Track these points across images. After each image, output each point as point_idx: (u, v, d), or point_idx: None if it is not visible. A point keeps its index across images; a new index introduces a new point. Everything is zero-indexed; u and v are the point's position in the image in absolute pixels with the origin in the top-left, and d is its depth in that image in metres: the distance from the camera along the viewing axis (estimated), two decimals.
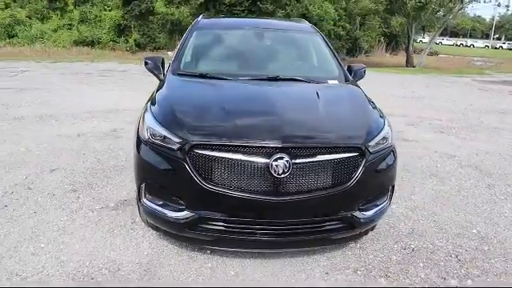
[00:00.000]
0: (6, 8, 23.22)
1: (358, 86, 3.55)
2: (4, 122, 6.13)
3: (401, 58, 26.45)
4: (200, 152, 2.43)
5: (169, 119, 2.65)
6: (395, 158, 2.87)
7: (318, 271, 2.79)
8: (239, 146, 2.39)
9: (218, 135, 2.46)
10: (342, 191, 2.48)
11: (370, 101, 3.21)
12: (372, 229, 3.11)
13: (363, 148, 2.53)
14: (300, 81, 3.34)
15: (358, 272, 2.81)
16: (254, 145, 2.38)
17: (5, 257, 2.82)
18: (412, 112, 8.12)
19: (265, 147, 2.37)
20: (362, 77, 3.95)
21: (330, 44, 3.99)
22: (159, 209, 2.64)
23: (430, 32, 25.38)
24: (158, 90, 3.16)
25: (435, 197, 4.10)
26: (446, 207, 3.88)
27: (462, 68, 22.71)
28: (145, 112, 2.85)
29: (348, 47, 26.29)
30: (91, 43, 22.16)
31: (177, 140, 2.48)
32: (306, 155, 2.41)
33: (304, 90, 3.17)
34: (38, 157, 4.74)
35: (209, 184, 2.43)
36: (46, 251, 2.91)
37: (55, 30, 22.70)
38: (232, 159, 2.39)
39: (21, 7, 25.14)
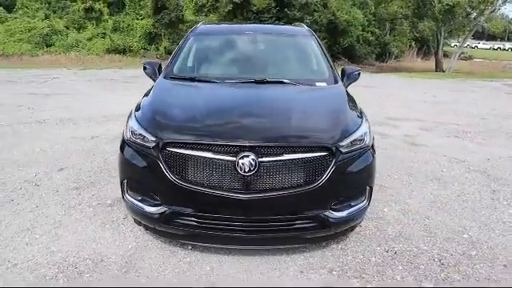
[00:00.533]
0: (46, 19, 24.57)
1: (345, 88, 3.57)
2: (26, 124, 6.51)
3: (432, 62, 25.73)
4: (172, 150, 2.54)
5: (147, 119, 2.79)
6: (373, 158, 2.86)
7: (292, 270, 2.82)
8: (208, 144, 2.48)
9: (189, 134, 2.58)
10: (311, 190, 2.51)
11: (351, 102, 3.21)
12: (352, 229, 3.10)
13: (333, 148, 2.55)
14: (286, 83, 3.39)
15: (333, 272, 2.82)
16: (222, 143, 2.47)
17: (1, 246, 3.03)
18: (429, 117, 7.94)
19: (231, 146, 2.45)
20: (355, 79, 3.97)
21: (323, 47, 4.03)
22: (138, 204, 2.78)
23: (462, 35, 24.60)
24: (145, 94, 3.31)
25: (432, 201, 4.02)
26: (442, 212, 3.79)
27: (496, 72, 21.86)
28: (129, 114, 3.00)
29: (377, 52, 25.91)
30: (123, 51, 23.00)
31: (152, 138, 2.61)
32: (273, 154, 2.47)
33: (286, 93, 3.22)
34: (50, 157, 5.01)
35: (180, 180, 2.53)
36: (39, 242, 3.10)
37: (90, 39, 23.73)
38: (201, 157, 2.49)
39: (60, 18, 26.56)
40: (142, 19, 25.73)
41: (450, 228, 3.48)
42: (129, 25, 25.00)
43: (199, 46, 4.03)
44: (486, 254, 3.10)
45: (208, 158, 2.47)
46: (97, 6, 26.70)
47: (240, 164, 2.41)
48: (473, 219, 3.66)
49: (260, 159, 2.43)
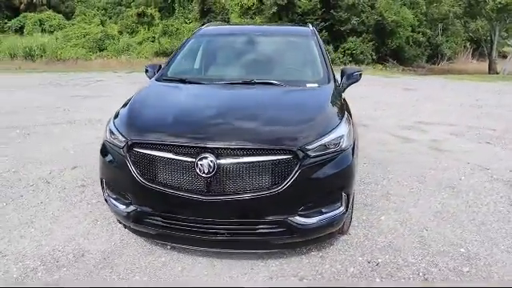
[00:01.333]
0: (101, 24, 26.09)
1: (340, 89, 3.45)
2: (58, 125, 6.93)
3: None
4: (138, 150, 2.60)
5: (121, 121, 2.89)
6: (350, 163, 2.72)
7: (262, 275, 2.77)
8: (169, 145, 2.51)
9: (154, 135, 2.62)
10: (273, 194, 2.44)
11: (334, 104, 3.07)
12: (329, 237, 2.99)
13: (297, 151, 2.46)
14: (273, 84, 3.33)
15: (304, 281, 2.73)
16: (182, 144, 2.48)
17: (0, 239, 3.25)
18: (464, 121, 7.44)
19: (191, 147, 2.46)
20: (356, 80, 3.85)
21: (322, 47, 3.90)
22: (114, 202, 2.87)
23: None
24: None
25: (438, 211, 3.76)
26: (444, 223, 3.54)
27: None
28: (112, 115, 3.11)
29: (428, 54, 24.72)
30: (170, 54, 23.77)
31: (122, 139, 2.69)
32: (232, 156, 2.43)
33: (266, 94, 3.15)
34: (70, 156, 5.30)
35: (146, 181, 2.58)
36: (32, 235, 3.29)
37: (140, 43, 24.81)
38: (164, 158, 2.52)
39: (115, 23, 28.09)
40: (189, 23, 26.52)
41: (447, 241, 3.24)
42: (177, 29, 25.84)
43: (196, 48, 4.09)
44: (479, 271, 2.85)
45: (170, 158, 2.50)
46: (149, 10, 27.97)
47: (199, 165, 2.41)
48: (478, 232, 3.38)
49: (219, 161, 2.41)
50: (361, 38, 22.13)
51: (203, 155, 2.41)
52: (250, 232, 2.57)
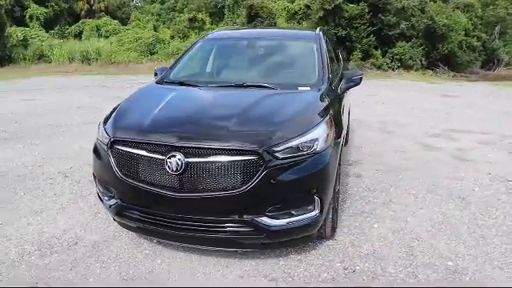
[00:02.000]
0: (154, 29, 27.35)
1: (332, 92, 3.44)
2: (90, 124, 7.37)
3: None
4: (118, 147, 2.78)
5: (109, 121, 3.10)
6: (323, 166, 2.70)
7: (235, 274, 2.82)
8: (143, 143, 2.66)
9: (132, 133, 2.79)
10: (239, 194, 2.49)
11: (315, 107, 3.05)
12: (305, 241, 2.99)
13: (262, 152, 2.49)
14: (264, 87, 3.38)
15: (273, 282, 2.74)
16: (154, 142, 2.62)
17: (8, 223, 3.57)
18: (500, 130, 6.97)
19: (162, 145, 2.59)
20: (356, 83, 3.84)
21: (324, 51, 3.86)
22: (101, 196, 3.07)
23: None
24: None
25: (438, 222, 3.60)
26: (440, 234, 3.39)
27: None
28: None
29: (483, 60, 23.31)
30: None
31: (106, 136, 2.88)
32: (199, 155, 2.52)
33: (253, 96, 3.18)
34: (89, 153, 5.63)
35: (124, 176, 2.74)
36: (38, 223, 3.58)
37: None
38: (139, 155, 2.67)
39: (168, 28, 29.31)
40: None
41: (437, 253, 3.10)
42: None
43: (200, 52, 4.23)
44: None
45: (143, 156, 2.64)
46: (200, 16, 28.92)
47: (168, 163, 2.52)
48: (475, 246, 3.20)
49: (187, 159, 2.51)
50: (410, 43, 21.34)
51: (172, 153, 2.52)
52: (218, 230, 2.63)
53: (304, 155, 2.63)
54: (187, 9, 33.52)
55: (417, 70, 20.77)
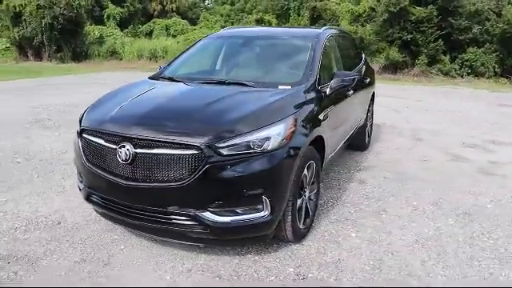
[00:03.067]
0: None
1: (313, 92, 3.33)
2: None
3: None
4: (84, 136, 2.97)
5: (86, 110, 3.29)
6: (273, 166, 2.62)
7: (184, 268, 2.85)
8: (101, 132, 2.81)
9: (95, 123, 2.95)
10: (180, 187, 2.51)
11: (281, 106, 2.96)
12: (256, 240, 2.96)
13: (204, 148, 2.49)
14: (242, 85, 3.37)
15: (218, 279, 2.73)
16: (109, 132, 2.75)
17: (11, 200, 3.93)
18: None
19: (114, 135, 2.71)
20: (349, 84, 3.74)
21: (319, 51, 3.70)
22: (78, 181, 3.26)
23: None
24: None
25: (425, 237, 3.32)
26: (421, 251, 3.11)
27: None
28: None
29: None
30: None
31: (79, 126, 3.06)
32: (146, 146, 2.58)
33: (222, 94, 3.16)
34: None
35: (88, 162, 2.91)
36: (35, 202, 3.90)
37: None
38: (97, 143, 2.82)
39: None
40: None
41: (407, 270, 2.86)
42: None
43: (198, 50, 4.30)
44: None
45: (101, 144, 2.79)
46: (266, 17, 29.27)
47: (119, 152, 2.63)
48: (454, 267, 2.90)
49: (135, 150, 2.59)
50: (483, 49, 19.69)
51: (122, 144, 2.63)
52: (165, 221, 2.67)
53: (252, 153, 2.59)
54: (256, 10, 34.07)
55: (489, 77, 19.08)
